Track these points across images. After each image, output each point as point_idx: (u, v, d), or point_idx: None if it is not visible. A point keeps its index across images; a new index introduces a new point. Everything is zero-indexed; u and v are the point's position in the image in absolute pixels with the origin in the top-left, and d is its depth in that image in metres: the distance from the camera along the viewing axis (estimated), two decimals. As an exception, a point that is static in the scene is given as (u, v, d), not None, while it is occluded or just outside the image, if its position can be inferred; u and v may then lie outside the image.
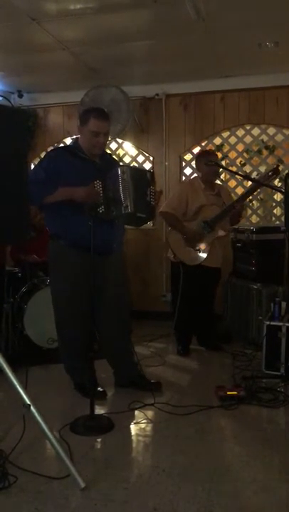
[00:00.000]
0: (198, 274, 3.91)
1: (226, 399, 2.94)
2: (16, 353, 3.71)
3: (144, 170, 3.84)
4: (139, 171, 3.41)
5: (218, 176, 4.16)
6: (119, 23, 3.57)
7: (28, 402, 1.99)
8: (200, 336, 4.22)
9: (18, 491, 2.02)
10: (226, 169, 4.46)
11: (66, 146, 4.06)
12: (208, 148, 5.18)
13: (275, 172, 3.73)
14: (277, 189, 4.14)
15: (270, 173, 3.73)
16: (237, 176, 4.88)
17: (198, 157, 4.11)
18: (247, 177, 3.88)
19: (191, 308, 4.01)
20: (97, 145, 2.96)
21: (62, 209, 2.91)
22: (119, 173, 2.76)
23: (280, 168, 4.10)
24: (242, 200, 3.92)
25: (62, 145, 5.17)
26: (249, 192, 4.04)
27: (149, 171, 3.17)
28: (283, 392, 3.10)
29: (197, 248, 3.90)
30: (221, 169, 4.15)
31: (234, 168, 4.94)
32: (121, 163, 4.87)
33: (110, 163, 3.12)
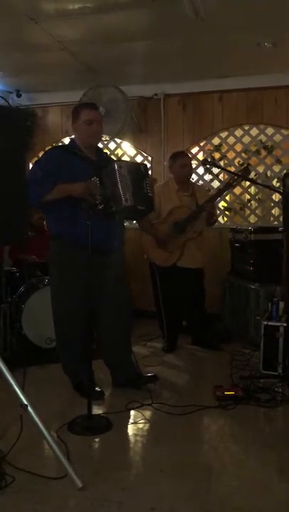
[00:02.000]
0: (174, 275, 3.94)
1: (224, 399, 2.94)
2: (14, 352, 3.71)
3: (138, 163, 3.86)
4: (134, 164, 3.44)
5: (190, 177, 4.16)
6: (118, 23, 3.57)
7: (25, 402, 1.99)
8: (194, 336, 4.22)
9: (15, 491, 2.02)
10: (224, 169, 4.46)
11: (64, 145, 4.07)
12: (206, 148, 5.19)
13: (245, 172, 3.76)
14: (275, 189, 4.16)
15: (239, 173, 3.75)
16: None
17: (170, 159, 4.12)
18: (237, 175, 3.87)
19: (173, 307, 4.04)
20: (93, 134, 2.99)
21: (62, 208, 2.91)
22: (116, 168, 2.76)
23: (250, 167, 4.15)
24: (211, 202, 3.90)
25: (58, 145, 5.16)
26: (217, 194, 4.05)
27: (143, 164, 3.21)
28: (281, 392, 3.10)
29: (168, 249, 3.91)
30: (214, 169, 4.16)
31: (232, 169, 4.94)
32: (115, 159, 4.88)
33: (107, 160, 3.13)
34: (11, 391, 2.01)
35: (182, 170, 3.97)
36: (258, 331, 3.59)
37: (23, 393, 2.01)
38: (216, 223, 4.28)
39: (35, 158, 5.13)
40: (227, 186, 3.92)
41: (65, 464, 2.03)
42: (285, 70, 4.62)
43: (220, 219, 5.09)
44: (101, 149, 3.24)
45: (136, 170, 2.90)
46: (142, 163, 3.23)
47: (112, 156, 5.39)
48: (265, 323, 3.42)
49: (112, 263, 3.02)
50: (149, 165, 5.30)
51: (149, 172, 3.10)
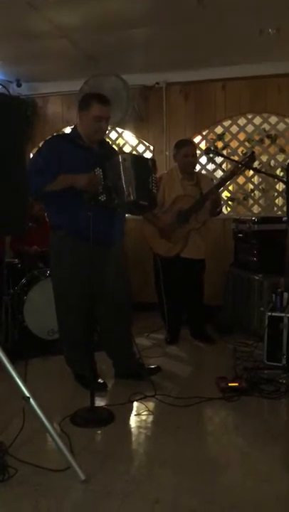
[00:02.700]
0: (177, 266, 3.89)
1: (227, 390, 2.93)
2: (16, 344, 3.70)
3: (145, 158, 3.81)
4: (140, 158, 3.38)
5: (194, 166, 4.09)
6: (118, 9, 3.50)
7: (27, 394, 1.98)
8: (191, 329, 4.20)
9: (18, 483, 2.01)
10: (227, 158, 4.41)
11: (64, 134, 4.01)
12: (209, 137, 5.14)
13: (251, 158, 3.67)
14: (279, 179, 4.10)
15: (247, 159, 3.68)
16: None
17: (174, 147, 4.04)
18: (242, 164, 3.80)
19: (175, 298, 4.01)
20: (99, 130, 2.93)
21: (63, 199, 2.87)
22: (121, 160, 2.72)
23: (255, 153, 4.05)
24: (215, 191, 3.81)
25: (58, 134, 5.11)
26: (221, 183, 3.93)
27: (151, 159, 3.14)
28: (285, 384, 3.08)
29: (172, 240, 3.86)
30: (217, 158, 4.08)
31: (235, 158, 4.89)
32: (121, 152, 4.83)
33: (109, 151, 3.08)
34: (13, 383, 1.99)
35: (185, 159, 3.91)
36: (262, 322, 3.58)
37: (25, 385, 2.00)
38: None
39: (36, 148, 5.08)
40: (231, 175, 3.85)
41: (68, 456, 2.02)
42: (289, 57, 4.55)
43: (223, 209, 5.04)
44: (104, 139, 3.18)
45: (142, 164, 2.85)
46: (150, 158, 3.15)
47: (114, 146, 5.34)
48: (269, 314, 3.40)
49: (112, 255, 2.99)
50: (150, 154, 5.26)
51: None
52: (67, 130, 5.29)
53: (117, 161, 2.74)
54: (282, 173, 4.86)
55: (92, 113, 2.88)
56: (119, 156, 2.77)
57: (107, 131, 5.22)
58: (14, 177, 1.98)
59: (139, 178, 2.74)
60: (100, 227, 2.66)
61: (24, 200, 2.08)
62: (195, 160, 4.09)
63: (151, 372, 3.14)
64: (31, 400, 1.97)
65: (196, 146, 4.31)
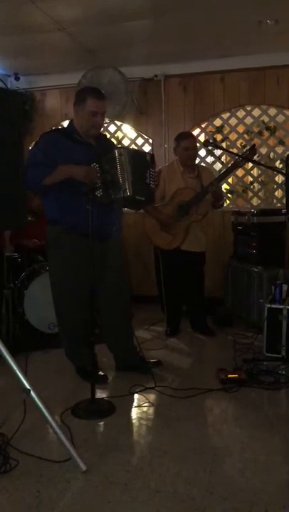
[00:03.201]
0: (177, 259, 3.90)
1: (227, 382, 2.95)
2: (16, 338, 3.72)
3: (143, 152, 3.80)
4: (138, 153, 3.36)
5: (194, 159, 4.08)
6: (117, 2, 3.49)
7: (28, 386, 1.99)
8: (191, 321, 4.21)
9: (19, 474, 2.03)
10: (226, 150, 4.40)
11: (61, 129, 4.00)
12: (208, 130, 5.13)
13: (252, 151, 3.66)
14: (278, 171, 4.11)
15: (247, 152, 3.67)
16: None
17: (175, 140, 4.02)
18: (242, 157, 3.79)
19: (175, 291, 4.02)
20: (95, 125, 2.92)
21: (60, 193, 2.87)
22: (117, 155, 2.72)
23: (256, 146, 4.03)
24: (215, 184, 3.79)
25: (56, 128, 5.10)
26: (221, 176, 3.91)
27: (149, 153, 3.14)
28: (284, 375, 3.10)
29: (172, 232, 3.87)
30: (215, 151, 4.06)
31: (234, 150, 4.88)
32: (119, 146, 4.82)
33: (106, 145, 3.07)
34: (14, 376, 2.01)
35: (186, 152, 3.90)
36: (261, 314, 3.59)
37: (26, 378, 2.02)
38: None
39: (34, 142, 5.07)
40: (232, 168, 3.84)
41: (69, 448, 2.05)
42: (288, 48, 4.52)
43: (222, 201, 5.04)
44: (101, 133, 3.17)
45: (139, 159, 2.85)
46: (148, 153, 3.13)
47: (113, 139, 5.34)
48: (269, 306, 3.41)
49: (110, 249, 2.99)
50: (149, 147, 5.25)
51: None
52: (66, 123, 5.29)
53: (113, 156, 2.73)
54: (281, 165, 4.86)
55: (88, 108, 2.87)
56: (116, 151, 2.76)
57: (106, 125, 5.23)
58: (13, 171, 1.99)
59: (135, 173, 2.74)
60: (97, 221, 2.66)
61: (23, 195, 2.09)
62: (195, 153, 4.08)
63: (151, 366, 3.16)
64: (32, 392, 1.99)
65: (196, 138, 4.30)
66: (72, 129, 3.00)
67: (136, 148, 5.23)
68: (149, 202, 2.99)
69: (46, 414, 2.02)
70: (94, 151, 2.90)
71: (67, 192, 2.83)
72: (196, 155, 4.16)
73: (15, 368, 2.00)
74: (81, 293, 2.88)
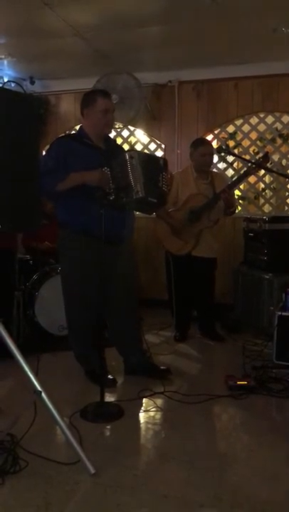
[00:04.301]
0: (189, 264, 3.90)
1: (236, 388, 2.94)
2: (27, 340, 3.74)
3: (156, 156, 3.82)
4: (149, 156, 3.40)
5: (210, 166, 4.10)
6: (131, 7, 3.52)
7: (39, 388, 2.01)
8: (200, 326, 4.21)
9: (28, 475, 2.05)
10: (239, 157, 4.41)
11: (71, 134, 4.04)
12: (220, 136, 5.13)
13: (265, 158, 3.66)
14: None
15: (260, 160, 3.67)
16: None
17: (191, 145, 4.03)
18: (255, 164, 3.79)
19: (185, 296, 4.02)
20: (108, 123, 2.98)
21: (71, 196, 2.89)
22: (127, 158, 2.73)
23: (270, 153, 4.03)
24: (227, 191, 3.78)
25: (65, 134, 5.14)
26: (234, 183, 3.91)
27: (163, 158, 3.16)
28: (293, 383, 3.09)
29: (183, 238, 3.87)
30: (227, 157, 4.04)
31: (247, 157, 4.88)
32: (128, 149, 4.84)
33: (116, 148, 3.11)
34: (25, 378, 2.03)
35: (202, 158, 3.91)
36: (271, 321, 3.57)
37: (36, 380, 2.03)
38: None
39: (47, 147, 5.11)
40: (245, 175, 3.85)
41: (78, 450, 2.05)
42: (302, 56, 4.52)
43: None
44: (110, 137, 3.20)
45: (150, 161, 2.86)
46: (161, 158, 3.18)
47: (126, 144, 5.37)
48: (279, 313, 3.40)
49: (121, 252, 3.01)
50: (162, 153, 5.27)
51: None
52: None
53: (124, 159, 2.75)
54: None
55: (99, 107, 2.93)
56: (126, 154, 2.78)
57: (119, 130, 5.26)
58: (28, 174, 2.02)
59: (147, 175, 2.75)
60: (109, 224, 2.68)
61: (38, 198, 2.11)
62: (211, 159, 4.09)
63: (160, 374, 3.15)
64: (43, 394, 2.01)
65: (212, 145, 4.30)
66: (82, 134, 3.04)
67: (149, 152, 5.25)
68: (162, 204, 3.00)
69: (56, 416, 2.03)
70: (104, 155, 2.93)
71: (79, 195, 2.86)
72: (212, 161, 4.17)
73: (27, 369, 2.02)
74: (92, 295, 2.89)
